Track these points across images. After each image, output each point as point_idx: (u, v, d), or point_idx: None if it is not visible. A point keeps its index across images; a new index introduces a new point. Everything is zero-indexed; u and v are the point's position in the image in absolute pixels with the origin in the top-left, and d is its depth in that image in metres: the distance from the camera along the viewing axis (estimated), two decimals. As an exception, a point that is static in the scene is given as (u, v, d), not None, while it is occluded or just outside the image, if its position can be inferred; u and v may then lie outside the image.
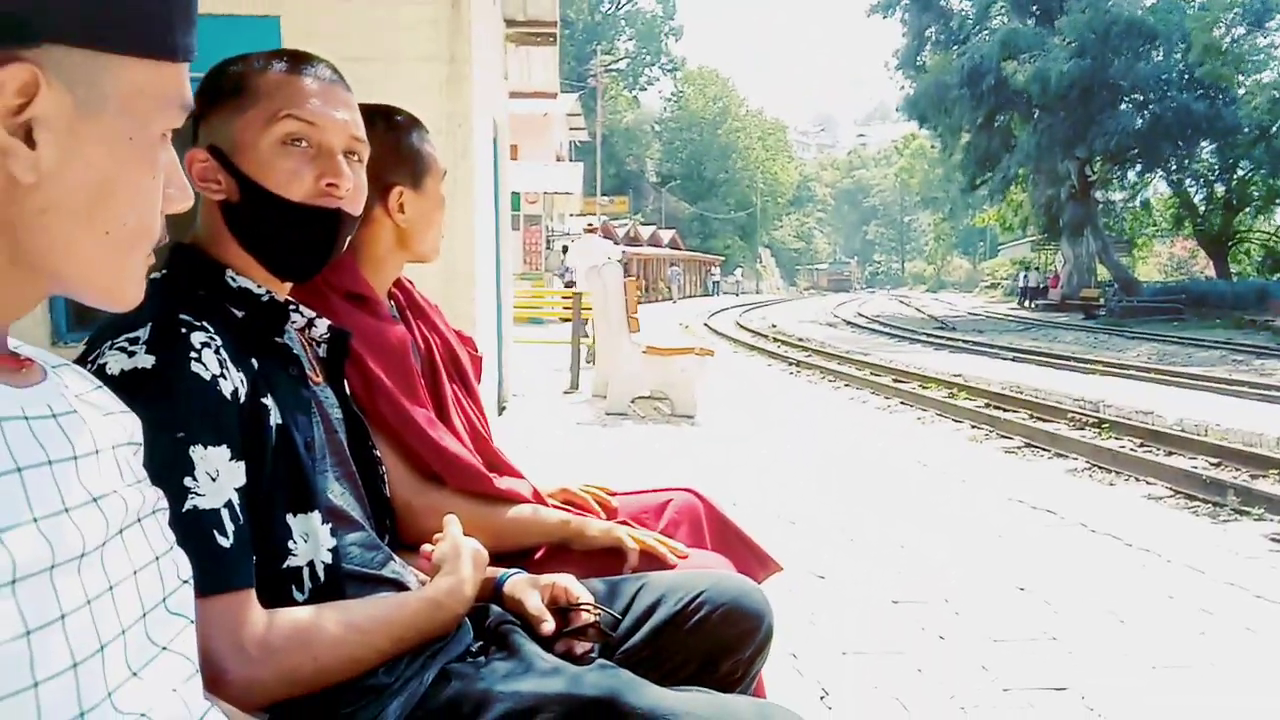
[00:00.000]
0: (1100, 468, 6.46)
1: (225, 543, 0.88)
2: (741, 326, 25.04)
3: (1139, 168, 33.00)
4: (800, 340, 19.61)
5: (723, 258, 64.68)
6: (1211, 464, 6.47)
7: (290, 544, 0.97)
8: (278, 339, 1.06)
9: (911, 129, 62.98)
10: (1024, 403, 9.47)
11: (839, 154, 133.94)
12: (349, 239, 1.13)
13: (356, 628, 0.97)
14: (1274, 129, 27.12)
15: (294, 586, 0.98)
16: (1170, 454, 6.86)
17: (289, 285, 1.12)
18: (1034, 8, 32.60)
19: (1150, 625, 3.03)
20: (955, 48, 33.70)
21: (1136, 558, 3.81)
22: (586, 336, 11.58)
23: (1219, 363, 15.34)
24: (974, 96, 31.78)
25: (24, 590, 0.53)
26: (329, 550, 1.00)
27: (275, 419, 0.98)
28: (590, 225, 13.59)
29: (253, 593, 0.91)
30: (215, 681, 0.83)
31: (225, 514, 0.89)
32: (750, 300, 48.69)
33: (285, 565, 0.97)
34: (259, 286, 1.06)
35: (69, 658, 0.55)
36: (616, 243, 39.13)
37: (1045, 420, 8.52)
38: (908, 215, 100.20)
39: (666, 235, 53.66)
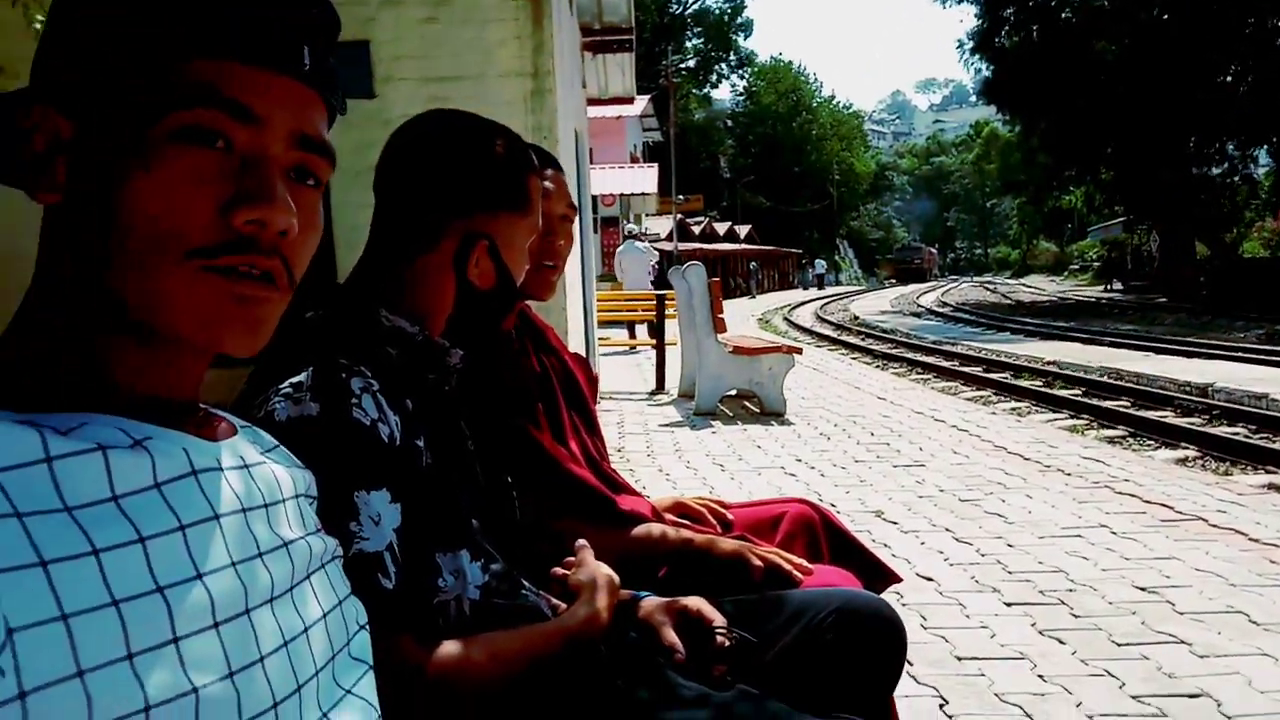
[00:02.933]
0: (1214, 456, 6.19)
1: (388, 585, 0.90)
2: (822, 319, 24.75)
3: (1239, 140, 31.48)
4: (885, 332, 19.27)
5: (801, 250, 64.06)
6: (1336, 450, 6.14)
7: (440, 581, 0.99)
8: (430, 376, 1.08)
9: (986, 114, 61.13)
10: (1125, 390, 9.14)
11: (916, 141, 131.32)
12: None
13: (503, 660, 0.98)
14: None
15: (441, 620, 0.99)
16: (1289, 440, 6.54)
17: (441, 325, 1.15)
18: (1117, -20, 31.42)
19: (1285, 626, 2.88)
20: (1034, 27, 32.66)
21: (1264, 553, 3.63)
22: (634, 338, 11.80)
23: (1335, 341, 14.54)
24: (1057, 75, 30.75)
25: (227, 632, 0.56)
26: (476, 587, 1.02)
27: (427, 458, 1.00)
28: (631, 230, 13.72)
29: (411, 633, 0.93)
30: None
31: (387, 556, 0.91)
32: (832, 292, 48.09)
33: (435, 601, 0.99)
34: (412, 325, 1.08)
35: (270, 698, 0.58)
36: (693, 239, 39.15)
37: (1150, 408, 8.21)
38: (989, 200, 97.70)
39: (743, 230, 53.37)
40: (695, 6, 67.61)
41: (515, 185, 1.13)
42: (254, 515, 0.63)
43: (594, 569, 1.14)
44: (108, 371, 0.60)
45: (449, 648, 0.95)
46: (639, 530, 1.44)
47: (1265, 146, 31.26)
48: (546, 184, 1.48)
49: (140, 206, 0.57)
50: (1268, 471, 5.67)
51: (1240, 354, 12.48)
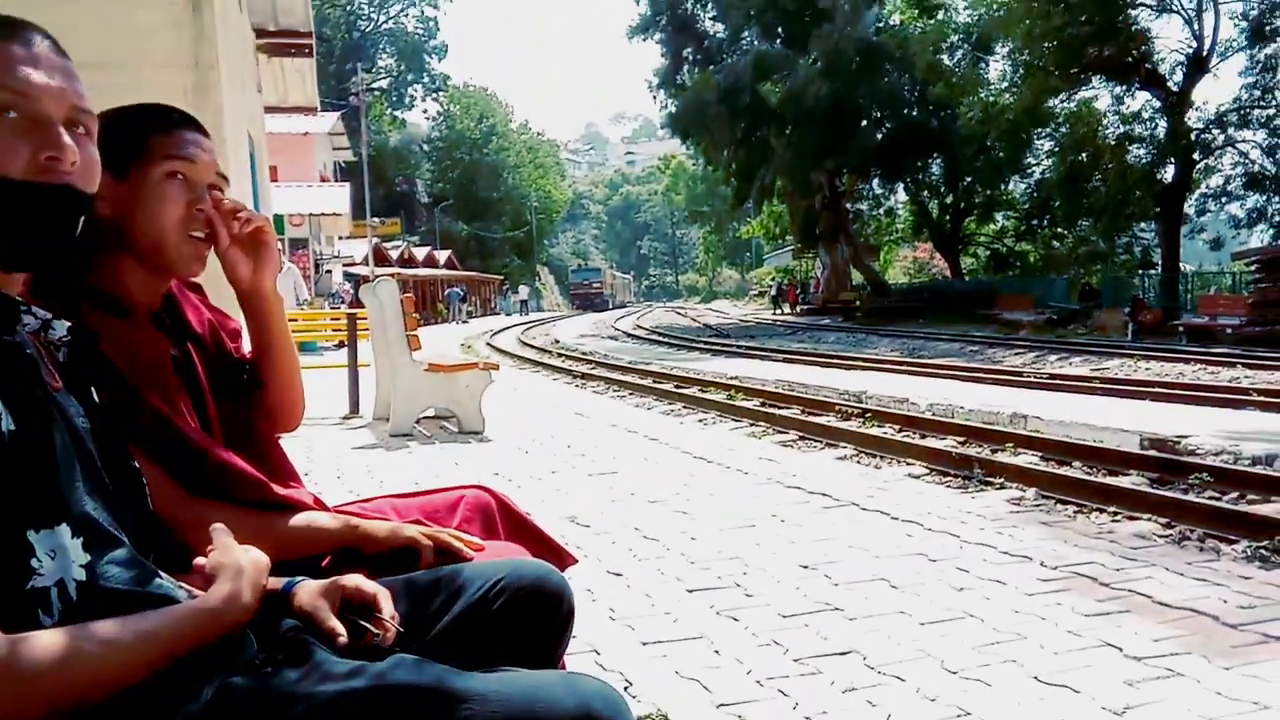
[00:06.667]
0: (867, 453, 6.94)
1: None
2: (525, 343, 25.02)
3: (880, 179, 36.01)
4: (584, 354, 19.83)
5: (502, 277, 64.44)
6: (959, 442, 7.13)
7: (34, 562, 0.87)
8: (6, 338, 0.94)
9: (673, 148, 65.18)
10: (796, 399, 10.05)
11: (609, 172, 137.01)
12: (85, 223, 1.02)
13: (119, 645, 0.87)
14: (989, 143, 30.33)
15: (40, 610, 0.87)
16: (925, 436, 7.49)
17: (18, 280, 1.00)
18: (780, 30, 34.80)
19: (917, 587, 3.28)
20: (712, 67, 35.39)
21: (902, 529, 4.12)
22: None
23: (958, 354, 16.96)
24: (732, 113, 33.51)
25: None
26: (82, 567, 0.90)
27: (7, 425, 0.87)
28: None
29: None
30: None
31: None
32: (535, 317, 48.73)
33: (30, 586, 0.86)
34: None
35: None
36: (390, 264, 38.12)
37: (816, 414, 9.08)
38: (679, 230, 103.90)
39: (443, 256, 52.84)
40: (388, 25, 66.27)
41: None
42: None
43: (236, 550, 1.06)
44: None
45: (45, 636, 0.84)
46: (295, 519, 1.36)
47: (902, 185, 35.91)
48: (189, 147, 1.35)
49: None
50: (907, 463, 6.46)
51: (887, 367, 14.19)
